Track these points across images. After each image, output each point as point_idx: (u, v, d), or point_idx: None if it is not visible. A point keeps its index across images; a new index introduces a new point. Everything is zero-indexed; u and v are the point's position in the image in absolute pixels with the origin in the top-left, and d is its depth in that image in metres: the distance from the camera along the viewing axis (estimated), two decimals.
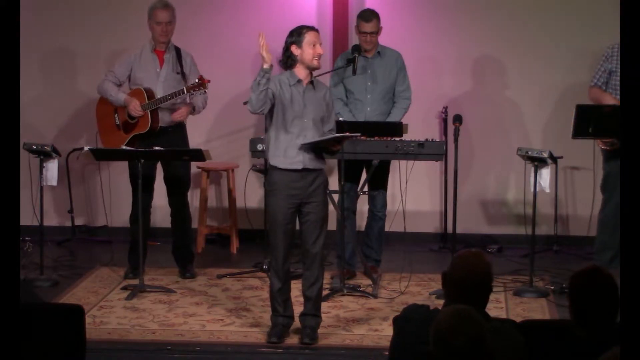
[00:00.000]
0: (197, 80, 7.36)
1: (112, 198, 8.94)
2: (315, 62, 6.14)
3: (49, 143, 7.65)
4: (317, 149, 6.16)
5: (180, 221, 7.75)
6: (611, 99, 7.20)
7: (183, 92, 7.37)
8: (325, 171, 6.31)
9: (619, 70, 7.20)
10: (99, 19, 8.83)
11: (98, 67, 8.47)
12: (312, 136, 6.13)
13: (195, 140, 8.63)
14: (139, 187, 7.24)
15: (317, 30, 6.20)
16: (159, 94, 7.49)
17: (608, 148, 7.20)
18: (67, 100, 8.88)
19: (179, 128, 7.67)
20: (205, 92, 7.41)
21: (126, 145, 7.51)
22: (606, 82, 7.29)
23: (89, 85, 8.35)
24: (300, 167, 6.11)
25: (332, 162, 8.08)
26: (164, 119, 7.54)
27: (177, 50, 7.63)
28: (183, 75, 7.58)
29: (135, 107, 7.48)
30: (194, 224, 8.63)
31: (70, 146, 8.72)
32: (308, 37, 6.13)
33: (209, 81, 7.38)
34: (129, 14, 8.58)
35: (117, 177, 8.89)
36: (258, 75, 5.98)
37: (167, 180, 7.70)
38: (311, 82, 6.19)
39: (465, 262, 4.03)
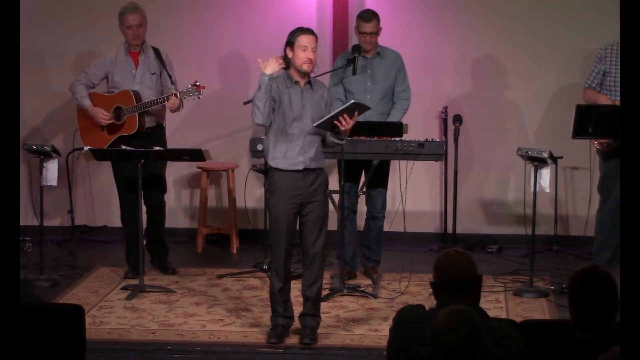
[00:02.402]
0: (191, 86, 7.36)
1: (112, 198, 8.93)
2: (304, 67, 6.10)
3: (49, 143, 7.66)
4: (322, 143, 6.17)
5: (156, 219, 7.78)
6: (606, 100, 7.20)
7: (176, 96, 7.38)
8: (326, 170, 6.30)
9: (614, 70, 7.22)
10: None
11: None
12: (311, 137, 6.12)
13: (195, 140, 8.64)
14: (139, 187, 7.24)
15: (312, 34, 6.16)
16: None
17: (604, 149, 7.20)
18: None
19: (158, 129, 7.68)
20: (199, 97, 7.41)
21: (109, 146, 7.52)
22: (600, 83, 7.29)
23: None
24: (301, 167, 6.11)
25: (332, 162, 8.08)
26: (146, 120, 7.56)
27: (156, 51, 7.63)
28: (169, 76, 7.56)
29: (103, 118, 7.52)
30: (194, 224, 8.64)
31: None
32: (300, 40, 6.11)
33: (203, 87, 7.39)
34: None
35: None
36: (259, 82, 5.96)
37: (144, 180, 7.67)
38: (309, 82, 6.18)
39: (447, 262, 4.05)
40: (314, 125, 6.06)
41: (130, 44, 7.58)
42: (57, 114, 8.91)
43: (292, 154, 6.10)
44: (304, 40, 6.10)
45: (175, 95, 7.38)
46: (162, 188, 7.77)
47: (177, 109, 7.48)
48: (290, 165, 6.11)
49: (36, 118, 8.89)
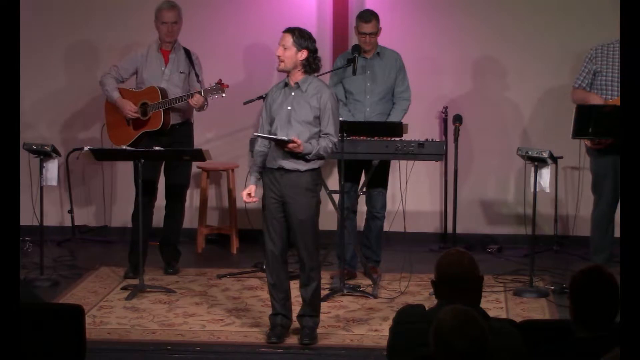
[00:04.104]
0: (214, 84, 7.41)
1: (113, 198, 8.96)
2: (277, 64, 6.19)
3: (49, 143, 7.66)
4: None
5: (173, 221, 7.86)
6: (598, 98, 7.20)
7: (200, 94, 7.43)
8: (317, 173, 6.22)
9: (605, 70, 7.22)
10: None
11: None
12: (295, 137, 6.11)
13: (195, 140, 8.63)
14: (139, 187, 7.26)
15: (285, 31, 6.18)
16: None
17: (594, 146, 7.20)
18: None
19: (186, 125, 7.77)
20: (223, 96, 7.46)
21: (134, 141, 7.56)
22: (590, 83, 7.30)
23: None
24: (276, 166, 6.15)
25: (332, 162, 8.09)
26: (173, 116, 7.64)
27: (187, 52, 7.71)
28: (196, 75, 7.63)
29: (130, 111, 7.58)
30: (194, 224, 8.64)
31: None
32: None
33: (227, 86, 7.43)
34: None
35: (118, 176, 8.91)
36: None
37: (168, 184, 7.77)
38: (297, 84, 6.17)
39: (449, 261, 4.05)
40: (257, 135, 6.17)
41: (163, 41, 7.67)
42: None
43: (274, 153, 6.16)
44: (280, 38, 6.18)
45: (199, 93, 7.44)
46: (182, 190, 7.84)
47: (201, 107, 7.55)
48: (270, 163, 6.19)
49: (37, 117, 8.90)
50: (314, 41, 6.18)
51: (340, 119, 7.27)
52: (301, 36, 6.14)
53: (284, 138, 6.05)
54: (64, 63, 8.92)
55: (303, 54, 6.13)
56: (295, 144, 6.02)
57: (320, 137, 6.16)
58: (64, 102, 8.93)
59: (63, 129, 8.94)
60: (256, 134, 6.16)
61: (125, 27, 8.80)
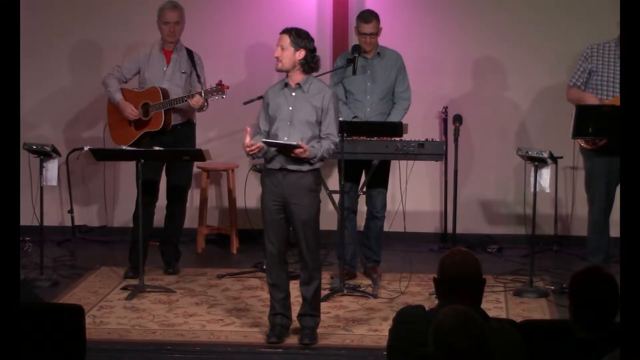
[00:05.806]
0: (215, 85, 7.42)
1: (115, 198, 8.95)
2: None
3: (51, 143, 7.66)
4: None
5: (174, 221, 7.88)
6: (592, 97, 7.21)
7: (201, 95, 7.45)
8: (318, 173, 6.23)
9: (600, 69, 7.22)
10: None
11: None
12: (296, 138, 6.09)
13: (196, 140, 8.63)
14: (139, 187, 7.27)
15: (285, 32, 6.17)
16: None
17: (589, 146, 7.20)
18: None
19: (188, 125, 7.79)
20: (223, 97, 7.47)
21: (136, 141, 7.58)
22: (585, 82, 7.30)
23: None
24: (278, 166, 6.14)
25: (332, 162, 8.09)
26: (174, 117, 7.66)
27: (189, 52, 7.73)
28: (198, 76, 7.65)
29: (131, 114, 7.60)
30: (194, 224, 8.64)
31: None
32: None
33: (227, 87, 7.45)
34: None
35: (118, 177, 8.91)
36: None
37: (169, 184, 7.79)
38: (299, 84, 6.16)
39: (453, 261, 4.05)
40: (262, 140, 6.10)
41: (165, 41, 7.70)
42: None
43: (275, 153, 6.14)
44: (278, 39, 6.17)
45: (200, 94, 7.46)
46: (183, 192, 7.87)
47: (200, 108, 7.57)
48: (272, 164, 6.17)
49: (40, 117, 8.90)
50: (312, 40, 6.18)
51: (341, 118, 7.29)
52: (298, 36, 6.14)
53: (292, 143, 6.02)
54: (67, 63, 8.93)
55: (301, 54, 6.13)
56: (301, 150, 6.01)
57: (321, 138, 6.15)
58: (67, 101, 8.94)
59: (66, 128, 8.96)
60: (264, 140, 6.11)
61: (128, 26, 8.81)
